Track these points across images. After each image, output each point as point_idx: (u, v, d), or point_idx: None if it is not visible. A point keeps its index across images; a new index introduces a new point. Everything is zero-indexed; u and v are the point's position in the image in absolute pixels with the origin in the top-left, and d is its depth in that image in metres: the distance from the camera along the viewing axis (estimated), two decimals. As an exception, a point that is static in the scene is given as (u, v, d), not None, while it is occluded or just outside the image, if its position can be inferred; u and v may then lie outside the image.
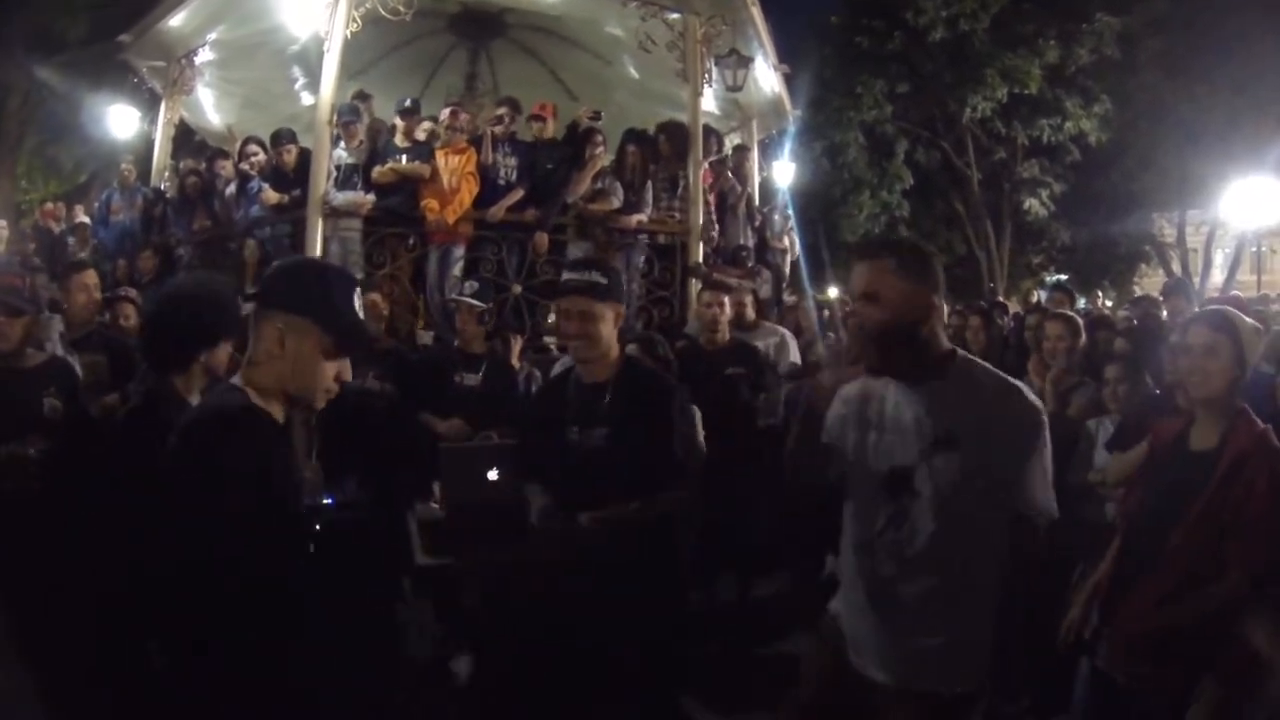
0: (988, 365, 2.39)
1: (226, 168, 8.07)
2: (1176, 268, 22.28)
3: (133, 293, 6.00)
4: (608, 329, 3.14)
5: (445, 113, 7.40)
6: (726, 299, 5.44)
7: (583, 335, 3.13)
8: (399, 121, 7.42)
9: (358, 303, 2.10)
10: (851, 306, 2.35)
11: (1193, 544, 2.72)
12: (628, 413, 3.12)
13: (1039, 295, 16.95)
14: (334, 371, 2.02)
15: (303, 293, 2.01)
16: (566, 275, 3.30)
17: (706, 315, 5.36)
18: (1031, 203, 21.17)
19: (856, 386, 2.41)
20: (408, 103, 7.50)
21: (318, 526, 2.18)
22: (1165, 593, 2.76)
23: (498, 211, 7.19)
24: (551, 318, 7.54)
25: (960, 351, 2.38)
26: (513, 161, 7.38)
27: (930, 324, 2.29)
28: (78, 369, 4.35)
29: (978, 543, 2.26)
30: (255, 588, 1.80)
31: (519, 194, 7.28)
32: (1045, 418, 2.31)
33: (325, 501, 3.93)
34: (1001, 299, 15.33)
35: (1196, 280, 20.86)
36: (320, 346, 1.98)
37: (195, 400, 3.35)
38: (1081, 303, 16.47)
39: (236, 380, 2.01)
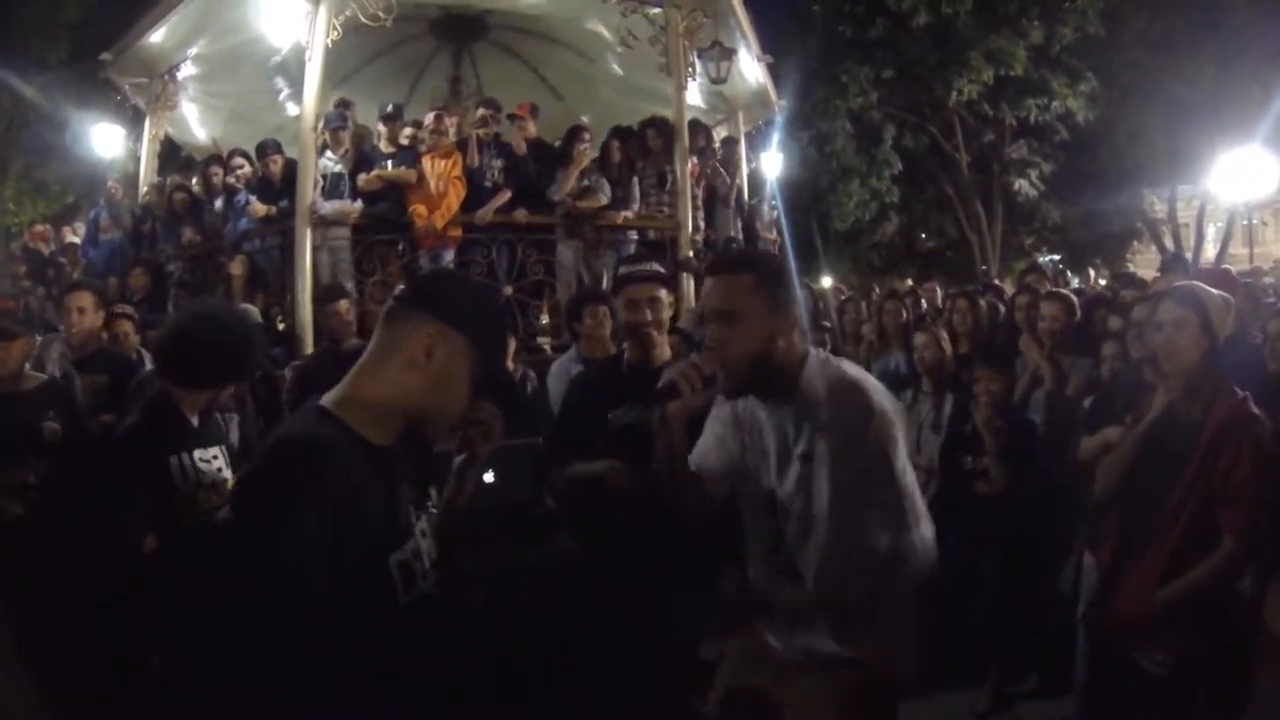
0: (837, 365, 2.23)
1: (218, 175, 8.04)
2: (1169, 243, 22.27)
3: (130, 310, 5.98)
4: (668, 313, 3.29)
5: (429, 117, 7.39)
6: None
7: (656, 320, 3.22)
8: (382, 127, 7.42)
9: (511, 343, 1.88)
10: (709, 328, 2.20)
11: (1185, 514, 2.79)
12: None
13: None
14: (468, 403, 1.74)
15: (466, 307, 1.71)
16: (627, 268, 3.41)
17: None
18: (1021, 183, 21.12)
19: (727, 407, 2.35)
20: (390, 108, 7.50)
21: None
22: (1163, 569, 2.81)
23: (486, 214, 7.18)
24: (544, 318, 7.55)
25: (812, 354, 2.24)
26: (498, 163, 7.37)
27: (789, 338, 2.19)
28: (78, 390, 4.34)
29: (865, 556, 2.09)
30: (346, 646, 1.49)
31: (506, 195, 7.27)
32: (888, 429, 2.11)
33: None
34: (995, 280, 15.32)
35: (1189, 254, 20.87)
36: (469, 369, 1.69)
37: (194, 419, 3.37)
38: (1075, 282, 16.53)
39: (328, 399, 1.66)
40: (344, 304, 5.29)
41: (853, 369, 2.25)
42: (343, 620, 1.48)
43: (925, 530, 2.11)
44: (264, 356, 3.55)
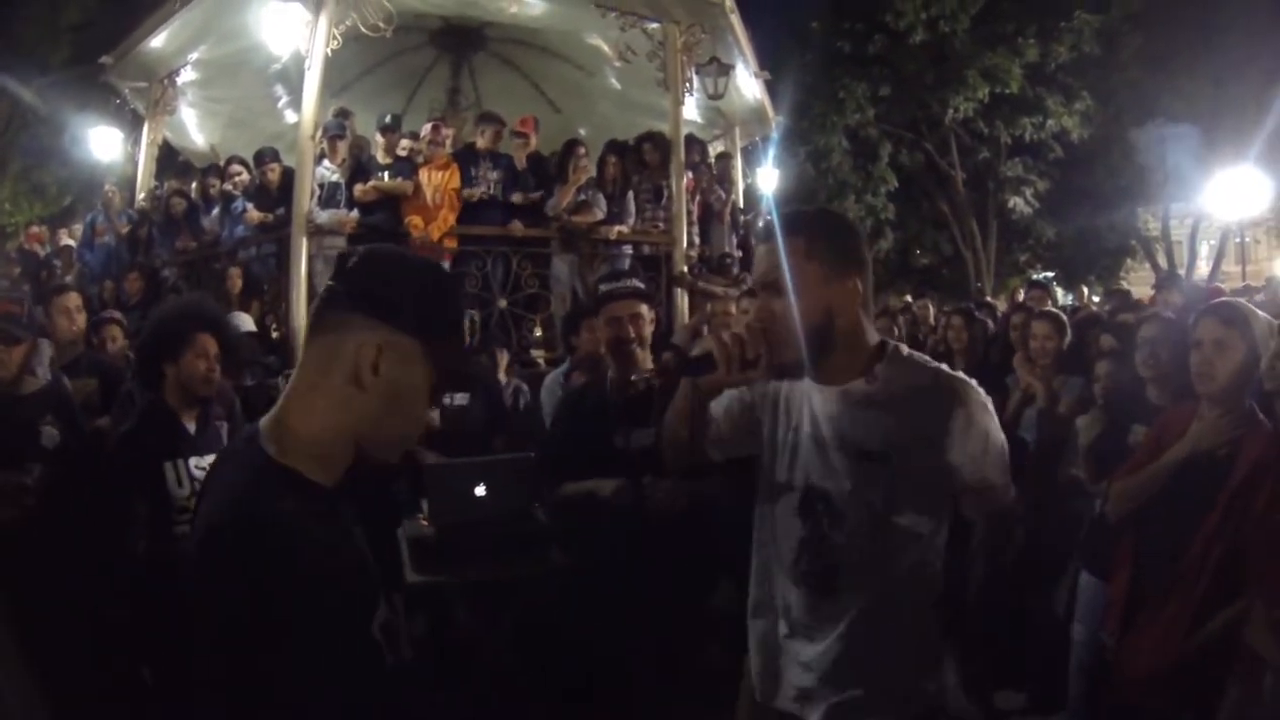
0: (922, 358, 1.98)
1: (215, 185, 8.05)
2: (1162, 261, 22.37)
3: (118, 315, 5.98)
4: (650, 330, 3.26)
5: (427, 128, 7.41)
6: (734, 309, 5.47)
7: (637, 337, 3.21)
8: (380, 138, 7.43)
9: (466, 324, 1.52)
10: (757, 299, 1.97)
11: (1210, 558, 2.58)
12: None
13: (1024, 293, 17.01)
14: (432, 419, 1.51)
15: (413, 301, 1.35)
16: (607, 285, 3.38)
17: (744, 323, 5.33)
18: (1016, 201, 21.19)
19: (768, 385, 2.04)
20: (388, 119, 7.51)
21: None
22: (1186, 618, 2.61)
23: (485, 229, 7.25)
24: (538, 331, 7.57)
25: (891, 344, 1.98)
26: (493, 174, 7.39)
27: (851, 314, 1.90)
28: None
29: (915, 564, 1.92)
30: None
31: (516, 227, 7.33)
32: (977, 393, 1.90)
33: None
34: (989, 298, 15.37)
35: (1182, 272, 20.96)
36: (425, 379, 1.36)
37: (191, 425, 3.38)
38: (1069, 299, 16.58)
39: (265, 431, 1.33)
40: None
41: (925, 357, 1.99)
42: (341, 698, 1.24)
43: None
44: (213, 315, 3.54)
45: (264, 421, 1.35)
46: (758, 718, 2.10)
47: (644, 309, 3.23)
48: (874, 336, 1.97)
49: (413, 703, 1.51)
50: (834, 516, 1.91)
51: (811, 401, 1.96)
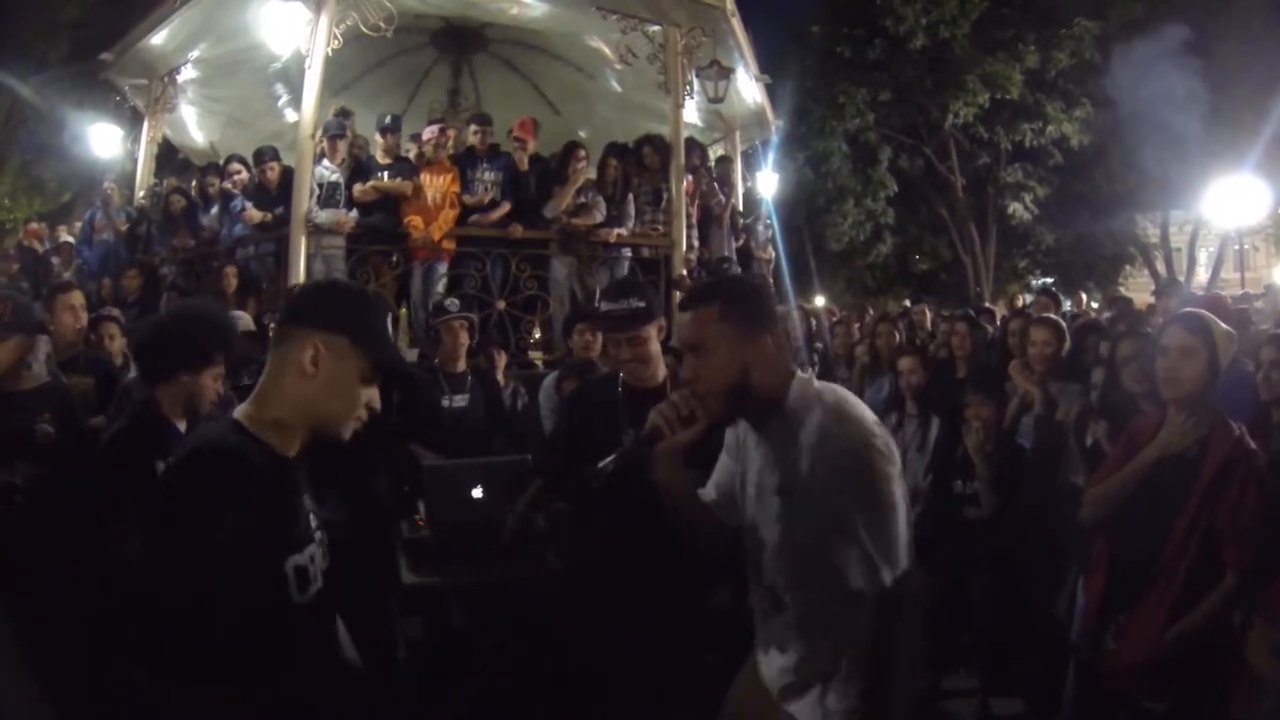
0: (821, 389, 2.11)
1: (215, 185, 8.04)
2: (1161, 267, 22.41)
3: (116, 313, 5.96)
4: (655, 346, 3.25)
5: (430, 131, 7.40)
6: None
7: (635, 359, 3.22)
8: (379, 139, 7.42)
9: (391, 327, 1.94)
10: (684, 361, 2.17)
11: (1189, 554, 2.73)
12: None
13: (1024, 299, 17.03)
14: (366, 398, 1.84)
15: (340, 310, 1.84)
16: (606, 306, 3.35)
17: None
18: (1015, 207, 21.23)
19: (731, 434, 2.30)
20: (388, 119, 7.50)
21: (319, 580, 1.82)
22: (1167, 609, 2.75)
23: (483, 220, 7.23)
24: (536, 333, 7.57)
25: (799, 377, 2.12)
26: (490, 176, 7.39)
27: (764, 365, 2.08)
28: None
29: (834, 592, 1.97)
30: (242, 639, 1.61)
31: (506, 208, 7.30)
32: (877, 462, 1.95)
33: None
34: (988, 304, 15.38)
35: (1181, 279, 21.01)
36: (357, 368, 1.80)
37: (182, 425, 3.36)
38: (1068, 306, 16.59)
39: (239, 412, 1.80)
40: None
41: (841, 394, 2.11)
42: (240, 613, 1.60)
43: (905, 564, 1.96)
44: (230, 339, 3.52)
45: (237, 410, 1.81)
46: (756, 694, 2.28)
47: (643, 330, 3.18)
48: (786, 375, 2.12)
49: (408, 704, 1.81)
50: (760, 544, 2.16)
51: (748, 449, 2.23)
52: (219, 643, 1.58)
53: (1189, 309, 3.29)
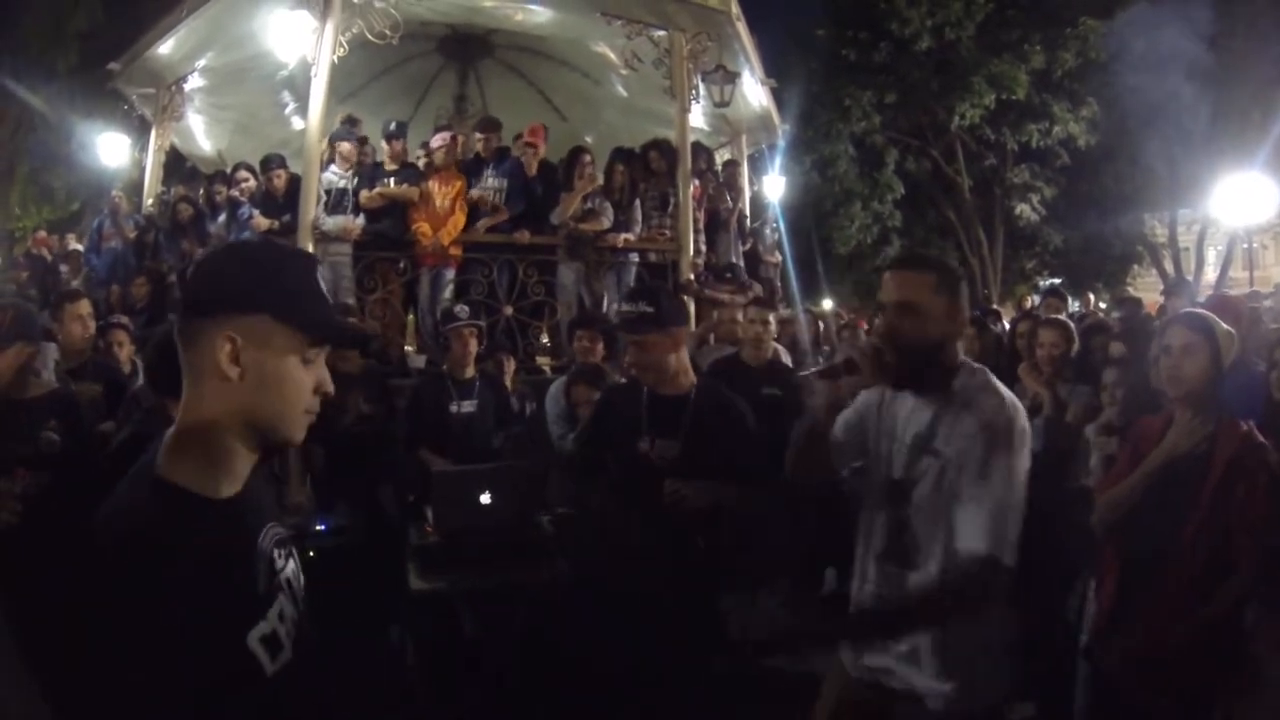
0: (990, 380, 2.32)
1: (222, 193, 8.07)
2: (1169, 267, 22.33)
3: (125, 321, 5.99)
4: (669, 353, 3.21)
5: (440, 138, 7.42)
6: (771, 316, 5.47)
7: (643, 365, 3.23)
8: (385, 145, 7.44)
9: (322, 278, 1.51)
10: (886, 314, 2.31)
11: (1199, 548, 2.74)
12: (706, 429, 3.17)
13: (1033, 300, 16.97)
14: (312, 383, 1.43)
15: (245, 281, 1.38)
16: (620, 308, 3.37)
17: (751, 332, 5.36)
18: (1023, 208, 21.19)
19: (873, 393, 2.41)
20: (392, 126, 7.51)
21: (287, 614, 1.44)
22: (1179, 604, 2.76)
23: (483, 227, 7.25)
24: (544, 339, 7.58)
25: (968, 364, 2.36)
26: (494, 183, 7.40)
27: (954, 342, 2.32)
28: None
29: (986, 557, 2.18)
30: None
31: (504, 215, 7.32)
32: (1013, 439, 2.20)
33: (319, 527, 3.93)
34: (995, 306, 15.34)
35: (1190, 278, 20.91)
36: (290, 347, 1.38)
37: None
38: (1076, 306, 16.54)
39: (159, 456, 1.36)
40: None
41: (1000, 385, 2.32)
42: (205, 712, 1.25)
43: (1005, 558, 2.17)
44: None
45: (168, 434, 1.38)
46: (844, 687, 2.44)
47: (650, 335, 3.17)
48: (959, 359, 2.34)
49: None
50: (908, 502, 2.27)
51: (905, 411, 2.33)
52: None
53: (1189, 309, 3.31)
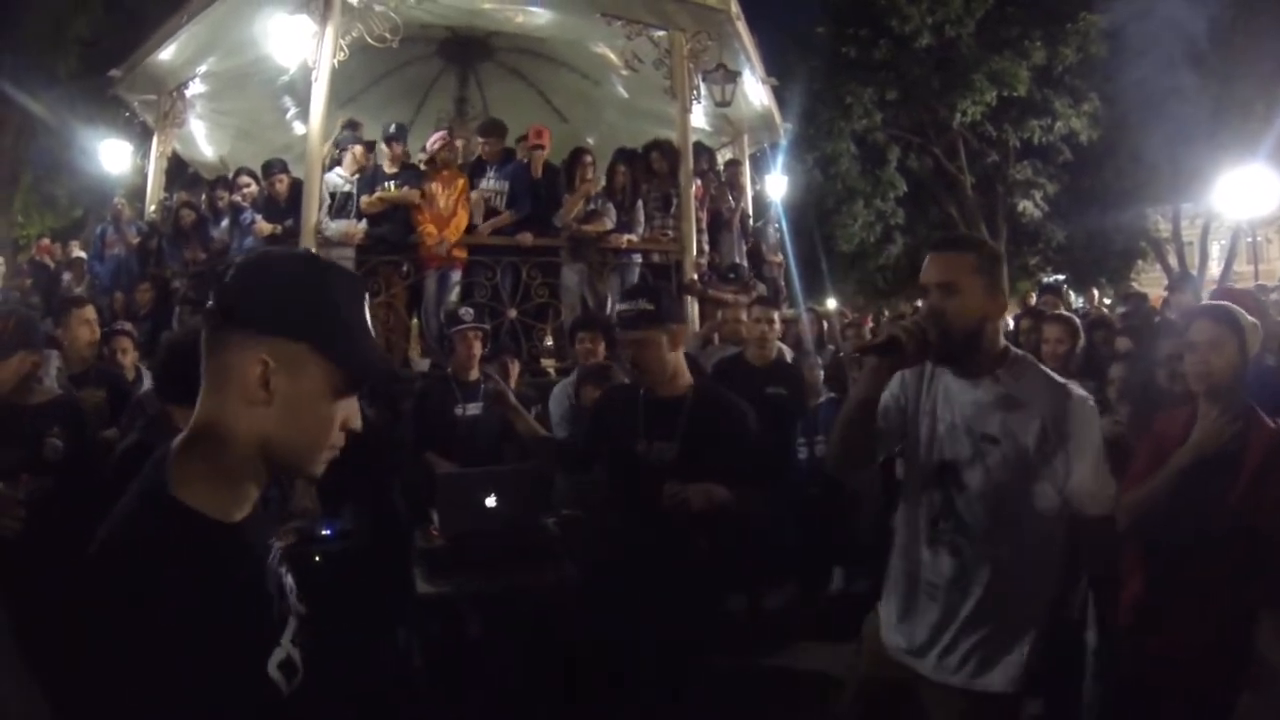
0: (1038, 364, 2.40)
1: (224, 198, 8.08)
2: (1173, 261, 22.27)
3: (129, 327, 6.00)
4: (666, 351, 3.20)
5: (437, 138, 7.42)
6: (775, 316, 5.48)
7: (641, 364, 3.21)
8: (385, 148, 7.44)
9: (368, 312, 1.39)
10: (929, 295, 2.34)
11: (1230, 550, 2.69)
12: (702, 431, 3.15)
13: (1035, 296, 16.95)
14: (341, 419, 1.33)
15: (290, 302, 1.28)
16: (618, 306, 3.36)
17: (755, 332, 5.36)
18: (1025, 204, 21.15)
19: (914, 374, 2.44)
20: (392, 128, 7.51)
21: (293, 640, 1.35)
22: (1207, 606, 2.71)
23: (486, 230, 7.24)
24: (548, 341, 7.57)
25: (1013, 350, 2.39)
26: (496, 186, 7.40)
27: (995, 325, 2.35)
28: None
29: (1025, 540, 2.28)
30: None
31: (506, 218, 7.31)
32: (1094, 412, 2.30)
33: (324, 532, 3.93)
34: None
35: (1194, 272, 20.86)
36: (326, 382, 1.29)
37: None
38: (1080, 302, 16.52)
39: (170, 470, 1.26)
40: None
41: (1047, 370, 2.38)
42: None
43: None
44: None
45: (177, 442, 1.30)
46: (877, 663, 2.51)
47: (647, 333, 3.16)
48: (1002, 343, 2.38)
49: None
50: (960, 485, 2.31)
51: (949, 392, 2.37)
52: None
53: (1215, 302, 3.26)
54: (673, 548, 3.06)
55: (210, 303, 1.31)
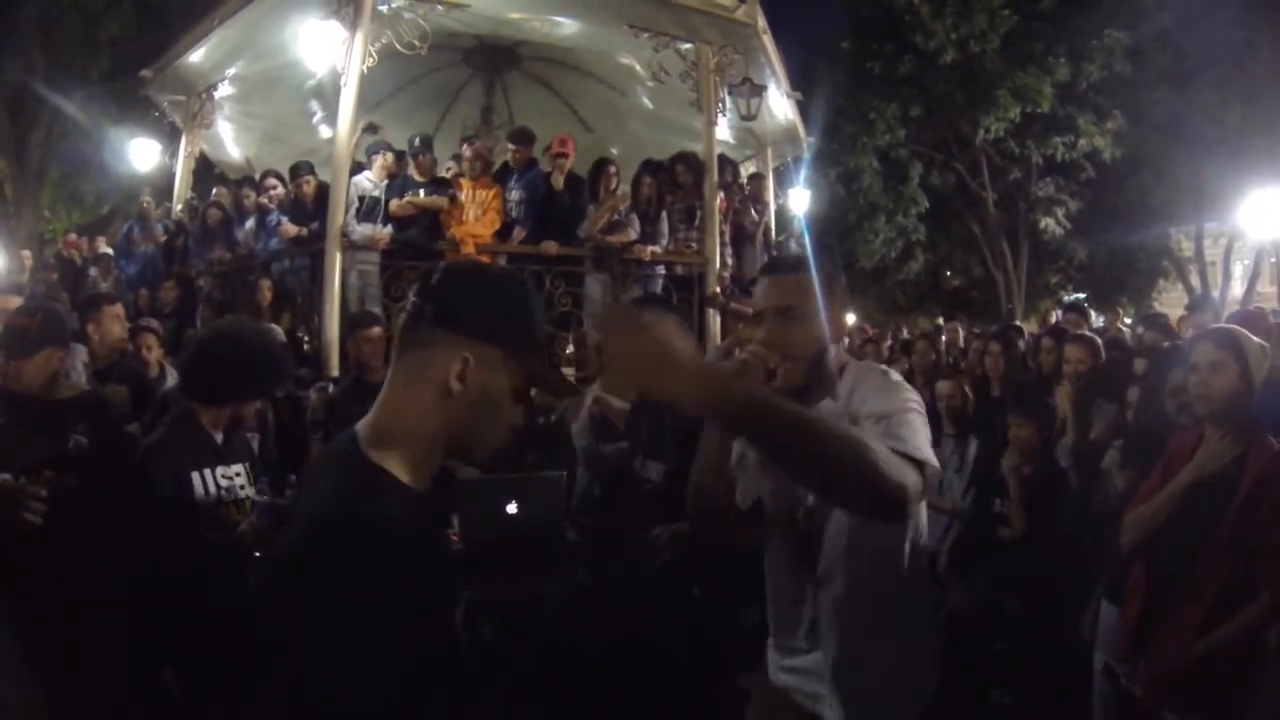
0: (874, 368, 2.22)
1: (250, 197, 8.16)
2: (1195, 281, 22.11)
3: (155, 324, 6.05)
4: None
5: (469, 149, 7.47)
6: None
7: None
8: (411, 160, 7.48)
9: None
10: (764, 322, 2.13)
11: (1222, 568, 2.71)
12: (691, 450, 3.14)
13: (1056, 315, 16.87)
14: (514, 417, 1.52)
15: (497, 314, 1.48)
16: None
17: None
18: (1048, 222, 21.04)
19: None
20: (417, 141, 7.53)
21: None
22: (1199, 622, 2.73)
23: (517, 237, 7.28)
24: (570, 349, 7.59)
25: (853, 362, 2.22)
26: (516, 195, 7.44)
27: (838, 345, 2.18)
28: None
29: (888, 570, 2.11)
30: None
31: (521, 234, 7.38)
32: (896, 384, 2.07)
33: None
34: (1018, 321, 15.25)
35: (1216, 293, 20.71)
36: (510, 380, 1.48)
37: (219, 437, 3.40)
38: (1100, 321, 16.43)
39: (370, 445, 1.43)
40: (377, 331, 5.26)
41: (884, 368, 2.22)
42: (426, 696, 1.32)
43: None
44: (288, 373, 3.56)
45: (361, 426, 1.47)
46: (769, 702, 2.34)
47: None
48: (843, 359, 2.20)
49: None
50: (815, 524, 2.13)
51: None
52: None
53: (1218, 325, 3.27)
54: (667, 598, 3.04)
55: (416, 300, 1.49)
